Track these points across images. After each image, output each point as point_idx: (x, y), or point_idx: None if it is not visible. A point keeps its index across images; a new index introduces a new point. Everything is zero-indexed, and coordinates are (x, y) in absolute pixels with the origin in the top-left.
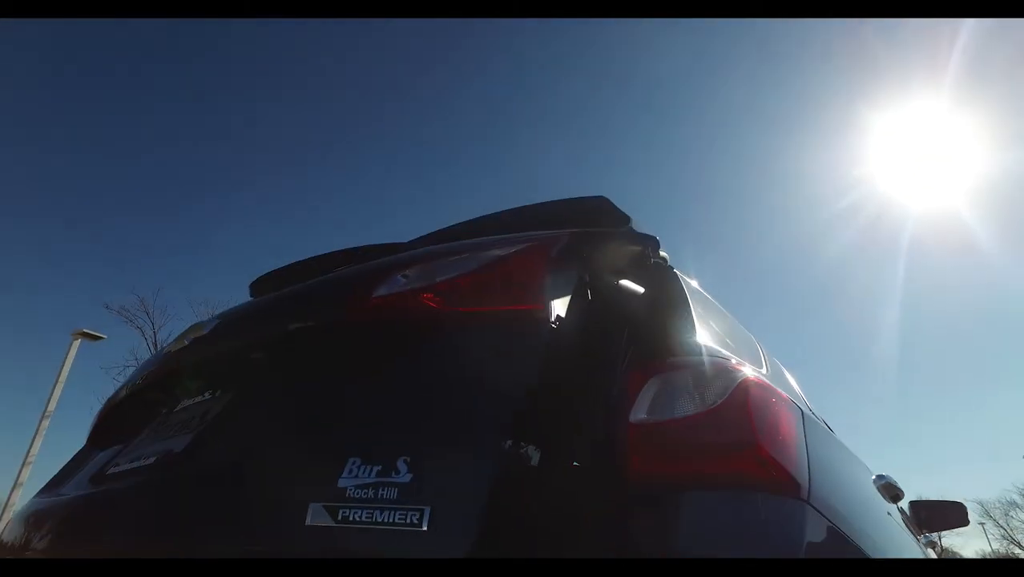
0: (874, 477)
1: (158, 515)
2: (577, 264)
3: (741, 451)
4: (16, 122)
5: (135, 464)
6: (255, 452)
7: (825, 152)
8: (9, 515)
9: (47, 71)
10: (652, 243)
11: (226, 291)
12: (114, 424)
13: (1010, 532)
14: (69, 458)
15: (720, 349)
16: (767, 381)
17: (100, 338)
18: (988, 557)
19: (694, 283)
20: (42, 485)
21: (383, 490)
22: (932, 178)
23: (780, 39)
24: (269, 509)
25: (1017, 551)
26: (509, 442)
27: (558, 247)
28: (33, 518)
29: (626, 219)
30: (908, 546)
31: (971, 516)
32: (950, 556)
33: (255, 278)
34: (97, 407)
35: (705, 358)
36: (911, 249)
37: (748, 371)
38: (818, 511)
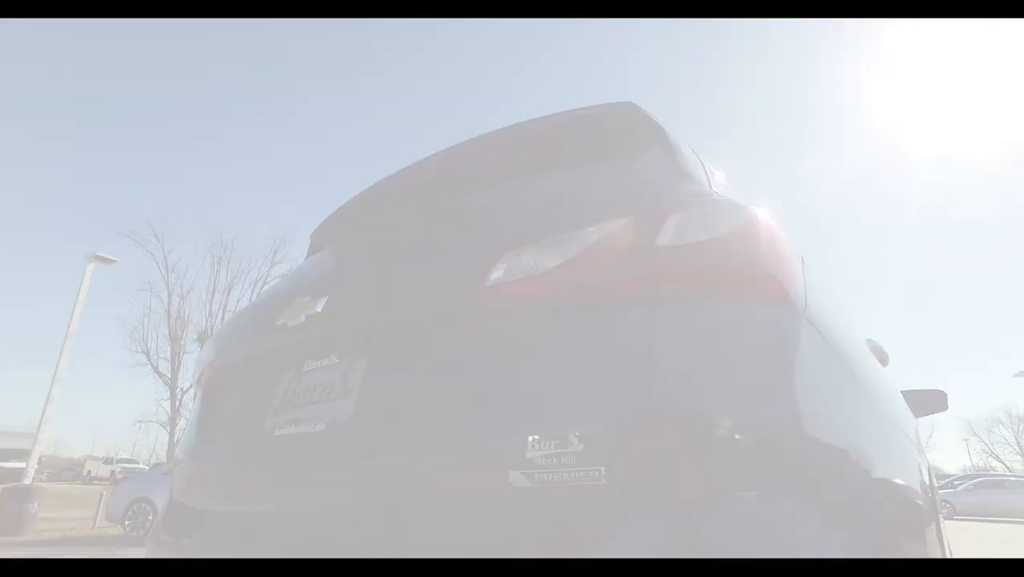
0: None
1: (361, 480)
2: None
3: (746, 272)
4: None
5: (305, 428)
6: (431, 428)
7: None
8: (47, 428)
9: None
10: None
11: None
12: (233, 381)
13: (990, 446)
14: (195, 411)
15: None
16: (773, 222)
17: (113, 261)
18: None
19: (719, 176)
20: (182, 436)
21: (565, 457)
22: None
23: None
24: (473, 477)
25: (995, 464)
26: (642, 409)
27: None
28: (213, 473)
29: (658, 129)
30: (885, 384)
31: (956, 433)
32: (934, 471)
33: (316, 227)
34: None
35: (720, 198)
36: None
37: (758, 211)
38: (812, 325)
